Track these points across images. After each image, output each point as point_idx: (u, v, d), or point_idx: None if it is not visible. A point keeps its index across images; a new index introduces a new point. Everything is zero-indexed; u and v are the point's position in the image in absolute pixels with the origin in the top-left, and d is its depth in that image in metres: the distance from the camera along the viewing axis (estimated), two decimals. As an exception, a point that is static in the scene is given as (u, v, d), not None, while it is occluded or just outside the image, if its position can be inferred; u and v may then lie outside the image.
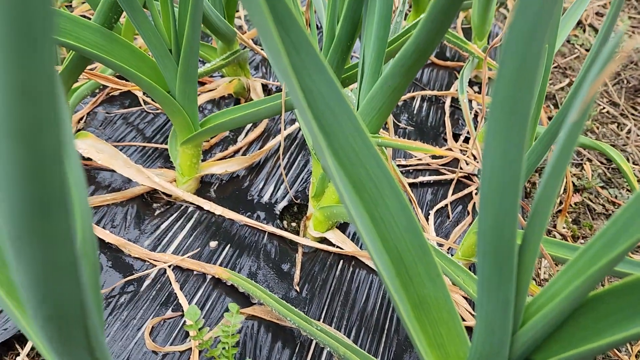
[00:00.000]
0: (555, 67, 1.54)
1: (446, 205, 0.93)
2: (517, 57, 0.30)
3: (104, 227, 0.79)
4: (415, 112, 1.15)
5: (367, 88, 0.69)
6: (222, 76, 1.10)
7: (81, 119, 0.99)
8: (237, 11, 1.31)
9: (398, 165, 0.98)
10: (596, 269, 0.37)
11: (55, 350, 0.31)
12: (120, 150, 0.94)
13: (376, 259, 0.46)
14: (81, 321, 0.29)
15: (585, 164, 1.21)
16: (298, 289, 0.74)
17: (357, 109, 0.71)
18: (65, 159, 0.21)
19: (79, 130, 0.97)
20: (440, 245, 0.83)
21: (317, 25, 1.32)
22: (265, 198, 0.88)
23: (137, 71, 0.75)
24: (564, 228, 1.01)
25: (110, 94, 1.05)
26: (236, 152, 0.96)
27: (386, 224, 0.47)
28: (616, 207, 1.14)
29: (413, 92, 1.19)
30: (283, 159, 0.96)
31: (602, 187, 1.18)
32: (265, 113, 0.82)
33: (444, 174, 0.99)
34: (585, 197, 1.12)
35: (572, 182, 1.13)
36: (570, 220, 1.06)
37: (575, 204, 1.11)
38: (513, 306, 0.41)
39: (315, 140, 0.41)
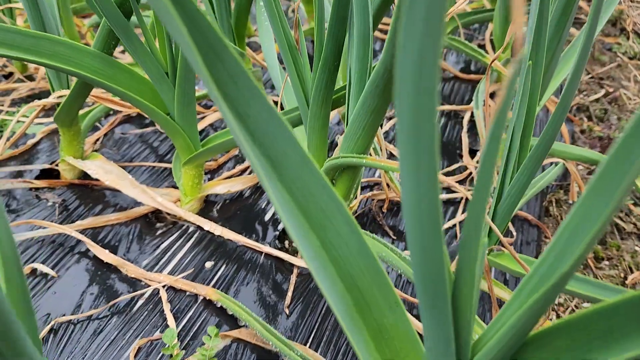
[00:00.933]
0: (590, 78, 1.47)
1: (454, 225, 0.90)
2: (410, 87, 0.29)
3: (104, 247, 0.81)
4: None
5: (352, 108, 0.68)
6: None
7: (98, 139, 1.02)
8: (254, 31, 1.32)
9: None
10: (530, 303, 0.34)
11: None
12: (132, 169, 0.96)
13: (327, 287, 0.45)
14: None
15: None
16: (287, 312, 0.73)
17: (346, 129, 0.70)
18: None
19: (95, 151, 1.00)
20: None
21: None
22: (267, 217, 0.88)
23: (137, 95, 0.77)
24: (585, 249, 0.96)
25: (128, 115, 1.09)
26: (243, 170, 0.97)
27: (337, 249, 0.46)
28: (650, 226, 1.08)
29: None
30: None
31: (635, 204, 1.11)
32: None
33: (457, 191, 0.96)
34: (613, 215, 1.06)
35: (600, 199, 1.07)
36: (595, 240, 1.00)
37: (602, 222, 1.05)
38: (453, 343, 0.38)
39: (258, 167, 0.41)
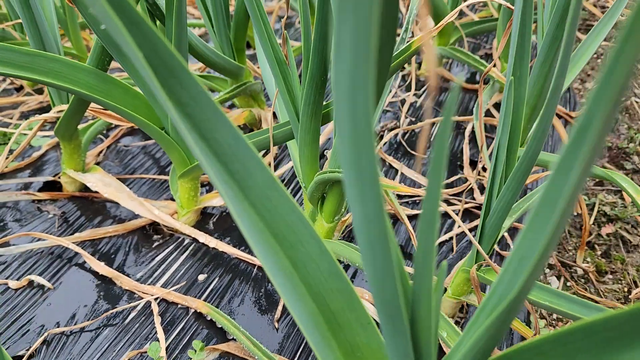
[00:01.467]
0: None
1: (451, 237, 0.89)
2: (347, 119, 0.29)
3: (103, 258, 0.82)
4: (432, 138, 1.11)
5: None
6: (233, 106, 1.12)
7: (101, 152, 1.04)
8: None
9: (402, 196, 0.95)
10: (482, 330, 0.34)
11: None
12: (133, 181, 0.98)
13: (297, 307, 0.45)
14: None
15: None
16: (277, 325, 0.73)
17: (334, 143, 0.70)
18: None
19: (98, 163, 1.02)
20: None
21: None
22: (262, 230, 0.88)
23: (132, 110, 0.78)
24: (585, 262, 0.94)
25: (131, 127, 1.11)
26: (241, 183, 0.97)
27: (309, 270, 0.46)
28: (658, 238, 1.05)
29: (433, 117, 1.16)
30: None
31: (644, 217, 1.09)
32: (258, 146, 0.83)
33: (454, 204, 0.96)
34: (619, 228, 1.04)
35: (604, 211, 1.05)
36: (599, 253, 0.99)
37: (607, 235, 1.03)
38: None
39: (227, 189, 0.41)
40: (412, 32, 1.39)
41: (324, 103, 0.73)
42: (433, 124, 1.15)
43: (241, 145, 0.43)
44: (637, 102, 1.44)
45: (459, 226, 0.91)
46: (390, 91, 1.23)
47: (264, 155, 1.03)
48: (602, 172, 0.80)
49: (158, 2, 0.75)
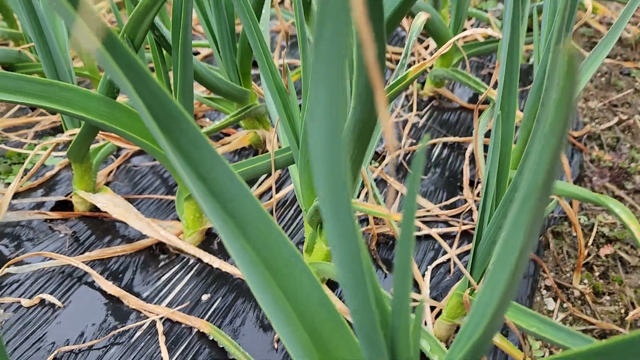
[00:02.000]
0: (603, 105, 1.46)
1: (448, 259, 0.91)
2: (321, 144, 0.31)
3: (111, 276, 0.86)
4: (434, 159, 1.14)
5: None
6: (238, 126, 1.16)
7: (111, 171, 1.08)
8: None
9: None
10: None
11: None
12: (141, 201, 1.01)
13: (288, 333, 0.48)
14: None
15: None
16: (276, 345, 0.76)
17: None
18: None
19: (108, 182, 1.05)
20: (433, 307, 0.82)
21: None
22: (264, 250, 0.91)
23: (138, 134, 0.82)
24: (583, 284, 0.96)
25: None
26: (246, 203, 1.00)
27: (300, 300, 0.49)
28: (657, 259, 1.06)
29: (435, 138, 1.18)
30: (286, 212, 0.99)
31: (643, 237, 1.10)
32: (261, 169, 0.86)
33: (453, 225, 0.98)
34: (618, 249, 1.05)
35: (603, 232, 1.07)
36: (597, 274, 1.00)
37: (606, 256, 1.04)
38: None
39: (224, 225, 0.44)
40: (413, 55, 1.42)
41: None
42: (433, 145, 1.17)
43: (234, 181, 0.46)
44: (640, 120, 1.45)
45: (458, 247, 0.93)
46: (393, 111, 1.26)
47: (267, 177, 1.06)
48: (593, 197, 0.82)
49: (164, 34, 0.78)
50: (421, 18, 0.93)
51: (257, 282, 0.47)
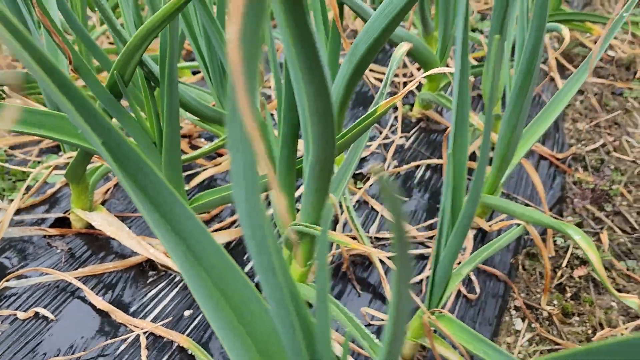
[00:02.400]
0: (591, 126, 1.49)
1: (421, 280, 0.96)
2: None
3: (103, 290, 0.92)
4: (416, 181, 1.18)
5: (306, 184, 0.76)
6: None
7: (108, 190, 1.14)
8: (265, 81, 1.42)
9: (380, 238, 1.02)
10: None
11: None
12: (135, 219, 1.07)
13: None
14: None
15: (602, 233, 1.17)
16: (250, 361, 0.81)
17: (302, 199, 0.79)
18: None
19: (104, 201, 1.12)
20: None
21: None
22: (246, 269, 0.97)
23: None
24: (552, 305, 1.00)
25: (138, 166, 1.20)
26: (233, 222, 1.06)
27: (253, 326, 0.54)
28: (631, 281, 1.10)
29: (419, 160, 1.23)
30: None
31: (619, 259, 1.14)
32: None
33: (429, 247, 1.02)
34: (591, 270, 1.09)
35: (577, 254, 1.11)
36: (569, 295, 1.04)
37: (579, 277, 1.08)
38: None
39: (190, 269, 0.50)
40: (405, 76, 1.47)
41: (297, 161, 0.81)
42: (417, 166, 1.22)
43: (201, 232, 0.51)
44: (628, 141, 1.48)
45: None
46: (381, 132, 1.31)
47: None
48: (555, 224, 0.86)
49: (153, 70, 0.84)
50: (402, 49, 0.98)
51: (213, 311, 0.52)
